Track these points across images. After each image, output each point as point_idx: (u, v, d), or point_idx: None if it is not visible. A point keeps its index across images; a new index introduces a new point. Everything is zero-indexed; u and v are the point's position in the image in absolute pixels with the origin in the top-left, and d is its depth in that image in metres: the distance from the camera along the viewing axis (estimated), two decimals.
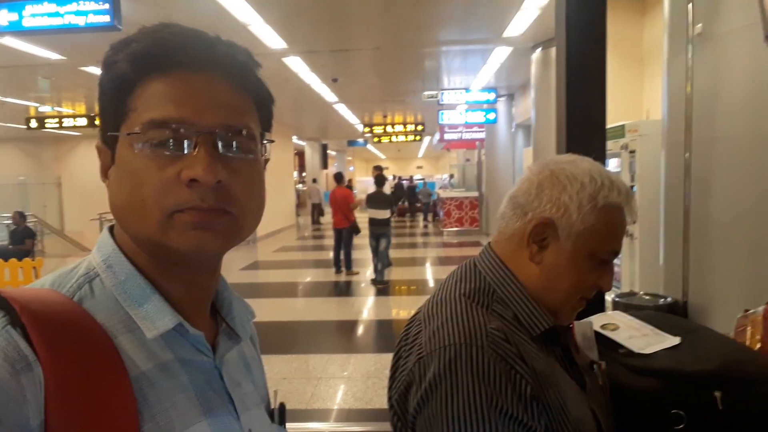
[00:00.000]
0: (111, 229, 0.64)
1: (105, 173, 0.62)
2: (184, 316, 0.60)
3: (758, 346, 1.17)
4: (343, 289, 8.18)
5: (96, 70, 8.34)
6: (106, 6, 5.27)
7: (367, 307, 6.92)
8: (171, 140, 0.55)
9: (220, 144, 0.56)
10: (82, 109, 12.58)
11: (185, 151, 0.55)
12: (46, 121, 10.48)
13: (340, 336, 5.79)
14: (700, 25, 2.44)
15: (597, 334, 1.15)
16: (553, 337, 0.92)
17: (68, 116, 10.61)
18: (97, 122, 8.07)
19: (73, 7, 5.32)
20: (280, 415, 0.74)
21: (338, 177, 9.13)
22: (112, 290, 0.59)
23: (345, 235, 8.87)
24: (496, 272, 0.92)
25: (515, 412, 0.76)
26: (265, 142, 0.63)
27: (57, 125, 10.49)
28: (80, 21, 5.34)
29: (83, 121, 10.35)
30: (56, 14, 5.37)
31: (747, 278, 2.27)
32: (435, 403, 0.77)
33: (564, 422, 0.80)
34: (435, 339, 0.82)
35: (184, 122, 0.55)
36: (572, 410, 0.83)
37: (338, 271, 9.16)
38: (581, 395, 0.90)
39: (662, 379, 0.99)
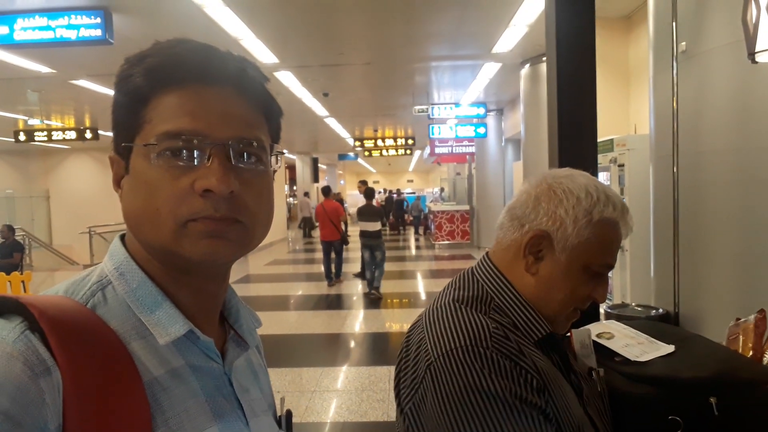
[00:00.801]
0: (122, 237, 0.66)
1: (118, 183, 0.63)
2: (194, 323, 0.62)
3: (750, 353, 1.19)
4: (336, 303, 8.15)
5: (86, 84, 8.33)
6: (98, 20, 5.28)
7: (359, 321, 6.91)
8: (185, 151, 0.57)
9: (232, 155, 0.58)
10: (71, 122, 12.52)
11: (198, 162, 0.57)
12: (34, 134, 10.40)
13: (334, 349, 5.76)
14: (684, 43, 2.51)
15: (593, 342, 1.17)
16: (551, 344, 0.94)
17: (57, 129, 10.53)
18: (88, 134, 7.96)
19: (64, 21, 5.33)
20: (287, 421, 0.75)
21: (326, 190, 9.40)
22: (124, 297, 0.60)
23: (337, 246, 9.04)
24: (493, 281, 0.95)
25: (532, 398, 0.79)
26: (275, 153, 0.65)
27: (46, 138, 10.41)
28: (72, 35, 5.34)
29: (72, 134, 10.27)
30: (48, 28, 5.37)
31: (736, 288, 2.31)
32: (458, 406, 0.78)
33: (569, 418, 0.82)
34: (441, 344, 0.84)
35: (198, 134, 0.57)
36: (574, 411, 0.85)
37: (330, 283, 9.23)
38: (579, 401, 0.92)
39: (658, 386, 1.01)
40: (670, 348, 1.11)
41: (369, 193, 8.60)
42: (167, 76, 0.58)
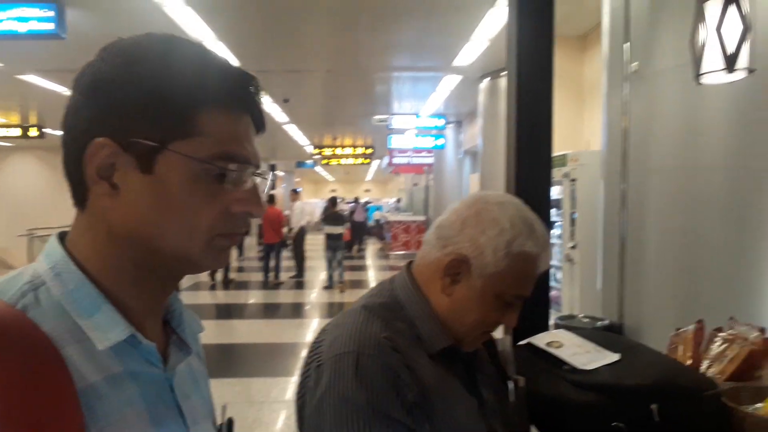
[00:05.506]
0: (61, 236, 0.62)
1: (102, 175, 0.57)
2: (138, 325, 0.59)
3: (689, 362, 1.24)
4: (288, 311, 8.05)
5: (34, 79, 7.96)
6: (51, 13, 5.07)
7: (311, 330, 6.83)
8: (233, 174, 0.60)
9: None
10: (15, 119, 11.96)
11: (236, 186, 0.61)
12: None
13: (285, 359, 5.66)
14: (636, 63, 2.61)
15: (542, 351, 1.19)
16: (453, 355, 0.97)
17: (0, 126, 10.06)
18: (33, 132, 7.60)
19: (15, 12, 5.09)
20: (228, 429, 0.73)
21: (270, 198, 10.84)
22: (59, 299, 0.56)
23: (277, 248, 10.25)
24: (409, 293, 0.98)
25: (397, 414, 0.83)
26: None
27: None
28: (21, 28, 5.11)
29: (16, 131, 9.83)
30: None
31: (677, 301, 2.40)
32: (326, 407, 0.84)
33: (451, 430, 0.87)
34: (332, 347, 0.89)
35: (247, 161, 0.61)
36: (464, 424, 0.89)
37: (267, 279, 10.32)
38: (478, 411, 0.95)
39: (603, 394, 1.04)
40: (616, 356, 1.14)
41: (333, 201, 10.04)
42: (217, 95, 0.59)
